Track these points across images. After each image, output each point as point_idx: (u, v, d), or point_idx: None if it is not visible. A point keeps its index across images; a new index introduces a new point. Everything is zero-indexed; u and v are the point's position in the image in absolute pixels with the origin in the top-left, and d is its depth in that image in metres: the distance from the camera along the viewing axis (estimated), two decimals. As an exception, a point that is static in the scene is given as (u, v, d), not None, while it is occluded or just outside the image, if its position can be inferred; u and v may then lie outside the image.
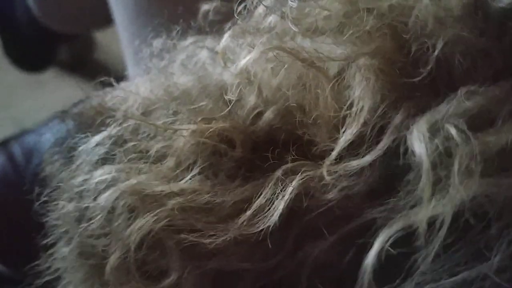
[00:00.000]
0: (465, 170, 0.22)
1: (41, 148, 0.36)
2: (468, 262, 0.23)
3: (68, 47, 1.31)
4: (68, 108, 0.36)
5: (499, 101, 0.24)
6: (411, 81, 0.25)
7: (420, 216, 0.22)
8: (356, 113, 0.25)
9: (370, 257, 0.24)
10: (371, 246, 0.24)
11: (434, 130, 0.23)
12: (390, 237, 0.24)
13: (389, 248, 0.23)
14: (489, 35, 0.25)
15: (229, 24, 0.36)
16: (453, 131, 0.22)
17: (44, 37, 0.96)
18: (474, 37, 0.25)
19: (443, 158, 0.22)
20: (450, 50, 0.25)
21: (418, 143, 0.23)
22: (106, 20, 0.72)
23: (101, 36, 1.35)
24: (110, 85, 0.36)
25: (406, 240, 0.24)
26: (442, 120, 0.23)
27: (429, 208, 0.22)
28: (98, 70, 1.39)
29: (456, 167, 0.22)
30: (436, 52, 0.24)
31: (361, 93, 0.25)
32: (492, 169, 0.23)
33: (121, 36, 0.60)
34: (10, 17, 0.96)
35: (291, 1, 0.27)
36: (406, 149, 0.25)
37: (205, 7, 0.37)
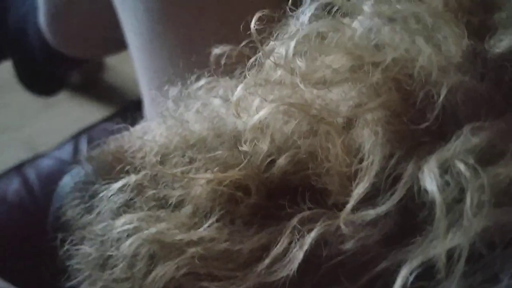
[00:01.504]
0: (477, 204, 0.22)
1: (60, 191, 0.37)
2: (483, 286, 0.23)
3: (79, 69, 1.31)
4: (87, 151, 0.36)
5: (506, 133, 0.25)
6: (419, 127, 0.25)
7: (439, 250, 0.23)
8: (367, 167, 0.26)
9: None
10: None
11: (444, 167, 0.23)
12: (411, 272, 0.24)
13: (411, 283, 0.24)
14: (489, 80, 0.26)
15: (240, 69, 0.37)
16: (462, 166, 0.23)
17: (56, 61, 0.97)
18: (475, 82, 0.26)
19: (455, 193, 0.23)
20: (453, 96, 0.25)
21: (429, 181, 0.23)
22: (118, 45, 0.72)
23: (111, 58, 1.36)
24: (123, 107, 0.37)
25: (426, 274, 0.24)
26: (451, 157, 0.24)
27: (446, 241, 0.23)
28: (108, 92, 1.39)
29: (468, 201, 0.22)
30: (441, 98, 0.25)
31: (371, 147, 0.26)
32: (503, 200, 0.24)
33: (135, 62, 0.60)
34: (22, 41, 0.96)
35: (299, 61, 0.28)
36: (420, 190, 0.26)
37: (216, 51, 0.38)
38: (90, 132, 0.84)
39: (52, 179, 0.72)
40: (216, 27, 0.54)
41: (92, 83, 1.42)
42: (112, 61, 1.40)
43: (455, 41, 0.25)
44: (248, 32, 0.31)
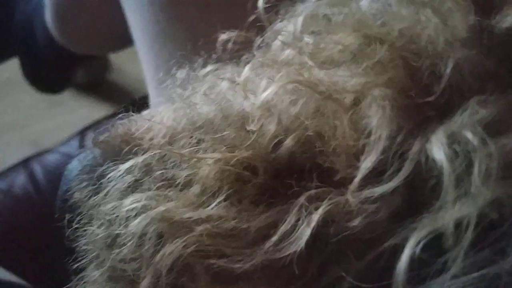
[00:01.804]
0: (485, 172, 0.22)
1: (68, 175, 0.37)
2: (492, 260, 0.23)
3: (84, 68, 1.32)
4: (94, 136, 0.37)
5: None
6: (425, 101, 0.25)
7: (447, 219, 0.22)
8: (374, 142, 0.26)
9: (402, 262, 0.24)
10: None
11: (452, 138, 0.23)
12: (419, 242, 0.24)
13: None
14: (496, 55, 0.26)
15: (247, 54, 0.37)
16: (470, 136, 0.23)
17: (62, 59, 0.97)
18: (481, 57, 0.26)
19: (463, 162, 0.23)
20: (459, 70, 0.25)
21: (437, 150, 0.23)
22: (125, 41, 0.72)
23: (116, 57, 1.36)
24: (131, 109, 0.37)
25: (434, 244, 0.24)
26: (459, 128, 0.23)
27: (454, 210, 0.22)
28: (113, 91, 1.40)
29: (476, 169, 0.22)
30: (447, 71, 0.25)
31: (378, 122, 0.26)
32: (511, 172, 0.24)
33: (141, 58, 0.60)
34: (29, 39, 0.96)
35: (307, 38, 0.28)
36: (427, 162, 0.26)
37: (223, 36, 0.38)
38: (96, 128, 0.84)
39: (58, 173, 0.72)
40: (222, 16, 0.54)
41: (98, 82, 1.42)
42: (118, 60, 1.40)
43: (461, 15, 0.25)
44: (255, 14, 0.31)
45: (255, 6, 0.32)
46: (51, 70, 1.02)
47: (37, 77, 1.05)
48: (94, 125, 0.82)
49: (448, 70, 0.24)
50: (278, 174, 0.31)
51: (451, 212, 0.22)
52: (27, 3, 0.98)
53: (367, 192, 0.27)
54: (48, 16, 0.84)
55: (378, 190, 0.27)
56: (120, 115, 0.37)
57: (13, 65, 1.09)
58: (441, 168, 0.23)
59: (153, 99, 0.61)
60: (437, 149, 0.23)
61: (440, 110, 0.26)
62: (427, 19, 0.25)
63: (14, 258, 0.71)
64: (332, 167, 0.29)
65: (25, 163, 0.81)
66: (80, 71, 1.30)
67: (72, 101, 1.35)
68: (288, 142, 0.30)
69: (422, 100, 0.25)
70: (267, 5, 0.30)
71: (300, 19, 0.27)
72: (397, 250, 0.26)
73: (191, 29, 0.56)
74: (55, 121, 1.32)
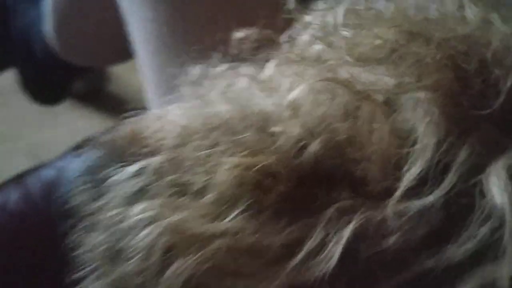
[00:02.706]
0: None
1: (68, 176, 0.33)
2: None
3: (82, 78, 1.28)
4: (99, 135, 0.33)
5: None
6: (478, 113, 0.22)
7: (503, 272, 0.19)
8: (420, 150, 0.22)
9: None
10: None
11: None
12: None
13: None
14: None
15: (264, 53, 0.34)
16: None
17: (60, 70, 0.94)
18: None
19: None
20: None
21: (499, 193, 0.20)
22: (126, 54, 0.69)
23: (114, 67, 1.32)
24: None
25: None
26: None
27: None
28: (111, 102, 1.36)
29: None
30: (509, 84, 0.21)
31: (425, 129, 0.23)
32: None
33: (144, 71, 0.57)
34: (26, 49, 0.93)
35: (345, 31, 0.24)
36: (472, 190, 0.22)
37: (238, 34, 0.34)
38: (92, 142, 0.80)
39: (53, 189, 0.69)
40: (227, 36, 0.51)
41: (96, 92, 1.38)
42: (116, 71, 1.37)
43: None
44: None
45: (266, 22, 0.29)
46: (49, 81, 0.99)
47: (35, 88, 1.02)
48: (91, 139, 0.79)
49: (510, 83, 0.21)
50: (302, 182, 0.27)
51: (508, 266, 0.19)
52: (25, 13, 0.95)
53: (404, 206, 0.24)
54: (48, 26, 0.81)
55: (417, 204, 0.23)
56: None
57: (10, 75, 1.06)
58: (502, 213, 0.20)
59: (155, 101, 0.58)
60: (499, 190, 0.20)
61: (491, 123, 0.22)
62: (486, 20, 0.21)
63: (8, 276, 0.69)
64: (365, 175, 0.26)
65: (19, 177, 0.77)
66: (78, 82, 1.26)
67: (70, 112, 1.31)
68: (314, 146, 0.27)
69: (477, 112, 0.22)
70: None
71: (340, 11, 0.24)
72: (433, 275, 0.22)
73: (193, 44, 0.53)
74: (53, 132, 1.29)
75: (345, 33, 0.24)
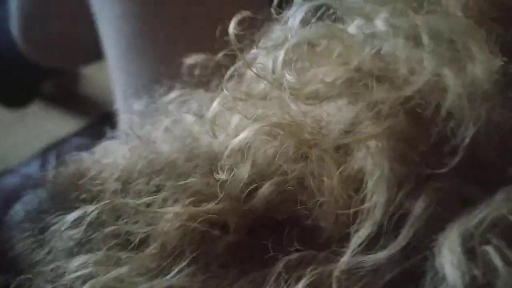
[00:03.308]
0: None
1: (10, 220, 0.31)
2: None
3: (52, 79, 1.24)
4: (41, 174, 0.31)
5: None
6: (436, 173, 0.20)
7: None
8: (370, 210, 0.21)
9: None
10: None
11: (469, 253, 0.18)
12: None
13: None
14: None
15: (217, 80, 0.32)
16: (495, 257, 0.18)
17: (29, 72, 0.90)
18: (506, 113, 0.20)
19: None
20: (480, 132, 0.20)
21: (452, 269, 0.18)
22: (94, 55, 0.67)
23: (86, 69, 1.28)
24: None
25: None
26: (478, 235, 0.18)
27: None
28: (82, 104, 1.32)
29: None
30: (467, 140, 0.19)
31: (375, 185, 0.21)
32: None
33: (112, 69, 0.55)
34: None
35: (288, 73, 0.23)
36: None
37: (189, 60, 0.32)
38: (59, 148, 0.77)
39: (15, 196, 0.66)
40: (194, 37, 0.49)
41: (66, 94, 1.34)
42: (87, 72, 1.33)
43: (484, 63, 0.19)
44: (226, 39, 0.26)
45: (225, 32, 0.27)
46: (16, 84, 0.96)
47: (1, 91, 0.98)
48: (58, 144, 0.76)
49: (469, 136, 0.19)
50: (252, 230, 0.25)
51: None
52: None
53: (357, 261, 0.22)
54: (14, 25, 0.78)
55: (370, 259, 0.21)
56: (83, 137, 0.32)
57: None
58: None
59: (121, 115, 0.56)
60: (451, 267, 0.18)
61: (449, 177, 0.20)
62: (437, 66, 0.19)
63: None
64: (316, 225, 0.24)
65: (-19, 185, 0.74)
66: (48, 83, 1.23)
67: (39, 114, 1.27)
68: (264, 190, 0.25)
69: (431, 169, 0.20)
70: (240, 32, 0.24)
71: (281, 53, 0.22)
72: None
73: (162, 47, 0.51)
74: (22, 134, 1.24)
75: (288, 76, 0.22)
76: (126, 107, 0.39)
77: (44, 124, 1.24)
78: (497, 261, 0.18)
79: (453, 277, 0.18)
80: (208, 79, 0.32)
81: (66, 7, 0.71)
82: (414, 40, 0.20)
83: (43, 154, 0.72)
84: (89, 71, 1.29)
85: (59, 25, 0.73)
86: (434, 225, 0.20)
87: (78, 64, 0.99)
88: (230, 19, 0.27)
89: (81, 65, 1.05)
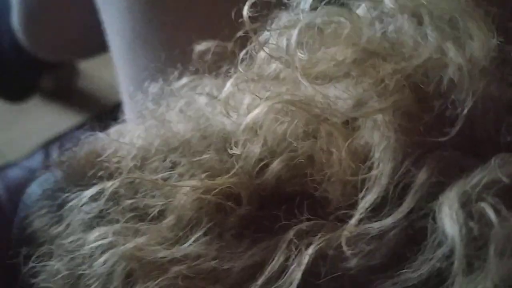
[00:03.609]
0: (501, 251, 0.19)
1: (27, 200, 0.32)
2: None
3: (51, 74, 1.25)
4: (56, 156, 0.32)
5: None
6: (437, 140, 0.22)
7: None
8: (376, 177, 0.22)
9: None
10: None
11: (467, 209, 0.20)
12: None
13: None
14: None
15: (227, 66, 0.33)
16: (489, 212, 0.19)
17: (28, 65, 0.90)
18: (503, 88, 0.22)
19: (478, 241, 0.19)
20: (478, 106, 0.22)
21: (450, 223, 0.20)
22: (96, 48, 0.67)
23: (84, 64, 1.29)
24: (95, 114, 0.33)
25: None
26: (475, 194, 0.20)
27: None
28: (83, 97, 1.33)
29: (492, 252, 0.19)
30: (465, 111, 0.21)
31: (381, 154, 0.22)
32: None
33: (117, 63, 0.56)
34: None
35: (300, 51, 0.24)
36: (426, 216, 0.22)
37: (200, 47, 0.34)
38: (61, 141, 0.78)
39: (20, 189, 0.66)
40: (201, 25, 0.50)
41: (66, 88, 1.35)
42: (87, 66, 1.33)
43: (481, 40, 0.21)
44: (239, 22, 0.27)
45: (238, 14, 0.29)
46: (16, 78, 0.96)
47: (1, 84, 0.98)
48: (60, 137, 0.77)
49: (468, 107, 0.21)
50: (264, 203, 0.27)
51: None
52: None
53: (363, 228, 0.23)
54: (15, 18, 0.78)
55: (376, 226, 0.23)
56: (86, 130, 0.33)
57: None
58: (453, 244, 0.20)
59: (127, 107, 0.57)
60: (450, 221, 0.20)
61: (446, 145, 0.22)
62: (440, 41, 0.21)
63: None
64: (325, 197, 0.25)
65: (-15, 178, 0.74)
66: (48, 77, 1.23)
67: (38, 108, 1.27)
68: (275, 166, 0.27)
69: (433, 138, 0.22)
70: (252, 14, 0.26)
71: (295, 32, 0.23)
72: None
73: (169, 36, 0.52)
74: (20, 129, 1.25)
75: (301, 55, 0.24)
76: (137, 93, 0.41)
77: (43, 119, 1.24)
78: (491, 215, 0.19)
79: (452, 230, 0.19)
80: (218, 65, 0.34)
81: (68, 0, 0.71)
82: (419, 18, 0.22)
83: (45, 147, 0.73)
84: (88, 66, 1.29)
85: (61, 17, 0.74)
86: (436, 192, 0.22)
87: (80, 57, 0.99)
88: (234, 8, 0.28)
89: (83, 58, 1.05)
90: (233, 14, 0.27)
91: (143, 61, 0.52)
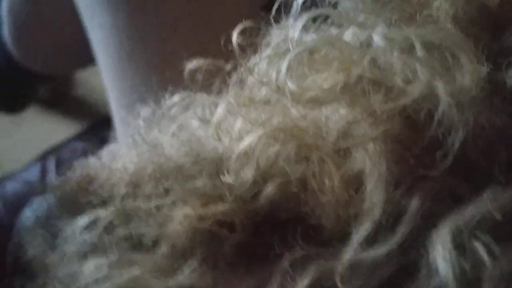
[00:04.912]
0: None
1: (21, 226, 0.32)
2: None
3: (47, 83, 1.24)
4: (49, 181, 0.32)
5: None
6: (429, 174, 0.22)
7: None
8: (369, 210, 0.22)
9: None
10: None
11: (459, 247, 0.20)
12: None
13: None
14: (508, 115, 0.22)
15: (218, 84, 0.33)
16: (482, 253, 0.19)
17: (22, 77, 0.90)
18: (493, 118, 0.22)
19: (470, 281, 0.20)
20: (469, 135, 0.22)
21: (443, 263, 0.20)
22: (86, 61, 0.67)
23: (80, 72, 1.29)
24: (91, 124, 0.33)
25: None
26: (467, 231, 0.20)
27: None
28: (78, 107, 1.33)
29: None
30: (457, 143, 0.21)
31: (373, 186, 0.23)
32: None
33: (105, 78, 0.56)
34: None
35: (289, 80, 0.24)
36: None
37: (190, 65, 0.34)
38: (58, 153, 0.78)
39: (18, 203, 0.66)
40: (189, 43, 0.50)
41: (62, 97, 1.34)
42: (82, 75, 1.33)
43: (471, 71, 0.21)
44: (225, 47, 0.27)
45: (228, 27, 0.28)
46: (10, 89, 0.96)
47: None
48: (56, 148, 0.76)
49: (459, 139, 0.21)
50: (258, 229, 0.27)
51: None
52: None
53: (358, 257, 0.23)
54: (6, 31, 0.78)
55: (370, 255, 0.23)
56: (82, 143, 0.33)
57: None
58: (446, 283, 0.20)
59: (117, 127, 0.57)
60: (443, 261, 0.20)
61: (441, 177, 0.22)
62: (430, 77, 0.21)
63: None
64: (318, 224, 0.26)
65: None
66: (43, 86, 1.23)
67: (34, 118, 1.27)
68: (268, 190, 0.27)
69: (425, 170, 0.22)
70: (241, 41, 0.26)
71: (284, 64, 0.23)
72: None
73: (157, 53, 0.52)
74: (17, 139, 1.24)
75: (291, 85, 0.24)
76: (122, 115, 0.40)
77: (40, 127, 1.24)
78: (484, 255, 0.19)
79: (444, 270, 0.20)
80: (209, 83, 0.34)
81: (58, 13, 0.71)
82: (408, 50, 0.22)
83: (42, 159, 0.73)
84: (84, 74, 1.29)
85: (49, 30, 0.73)
86: (429, 222, 0.22)
87: (72, 69, 0.99)
88: (219, 23, 0.28)
89: (75, 71, 1.05)
90: (221, 41, 0.27)
91: (130, 79, 0.51)
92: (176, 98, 0.34)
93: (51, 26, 0.72)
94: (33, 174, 0.70)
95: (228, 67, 0.33)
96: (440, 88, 0.20)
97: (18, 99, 1.01)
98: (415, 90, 0.21)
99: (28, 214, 0.32)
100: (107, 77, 0.54)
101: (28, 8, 0.73)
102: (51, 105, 1.32)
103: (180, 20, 0.50)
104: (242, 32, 0.26)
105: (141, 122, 0.31)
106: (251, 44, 0.27)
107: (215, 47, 0.30)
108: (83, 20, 0.57)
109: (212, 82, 0.34)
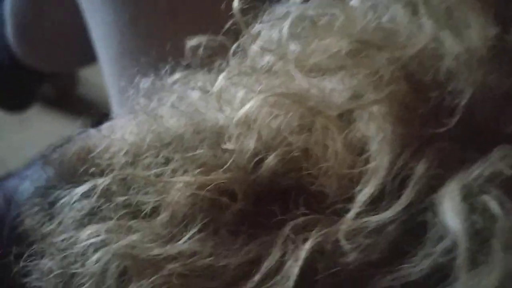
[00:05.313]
0: (505, 246, 0.19)
1: (19, 198, 0.32)
2: None
3: (51, 82, 1.24)
4: (48, 153, 0.32)
5: None
6: (435, 132, 0.22)
7: None
8: (374, 170, 0.22)
9: None
10: None
11: (469, 201, 0.20)
12: None
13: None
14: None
15: (220, 61, 0.33)
16: (493, 205, 0.19)
17: (25, 75, 0.90)
18: (501, 79, 0.22)
19: (481, 235, 0.19)
20: (476, 96, 0.22)
21: (453, 217, 0.19)
22: (89, 58, 0.67)
23: (84, 71, 1.28)
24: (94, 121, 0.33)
25: None
26: (476, 187, 0.20)
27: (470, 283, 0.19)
28: (82, 105, 1.33)
29: (496, 246, 0.19)
30: (463, 102, 0.21)
31: (378, 147, 0.22)
32: None
33: (106, 76, 0.56)
34: None
35: (293, 44, 0.24)
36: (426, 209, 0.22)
37: (192, 42, 0.33)
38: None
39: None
40: (190, 28, 0.49)
41: (65, 96, 1.34)
42: (87, 73, 1.33)
43: (479, 29, 0.21)
44: (229, 16, 0.27)
45: (228, 8, 0.28)
46: (14, 87, 0.95)
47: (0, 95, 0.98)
48: (40, 157, 0.76)
49: (466, 98, 0.20)
50: (259, 198, 0.27)
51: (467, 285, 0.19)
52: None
53: (361, 222, 0.23)
54: (9, 30, 0.78)
55: (374, 220, 0.23)
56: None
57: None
58: (456, 239, 0.19)
59: (116, 109, 0.57)
60: (453, 216, 0.19)
61: (444, 135, 0.22)
62: (436, 30, 0.21)
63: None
64: (321, 191, 0.25)
65: (-16, 188, 0.74)
66: (47, 85, 1.23)
67: (39, 116, 1.27)
68: (270, 160, 0.26)
69: (431, 129, 0.21)
70: (243, 6, 0.25)
71: (286, 24, 0.23)
72: None
73: (158, 49, 0.52)
74: (22, 137, 1.24)
75: (294, 46, 0.23)
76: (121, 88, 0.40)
77: (44, 126, 1.24)
78: (496, 208, 0.19)
79: (454, 223, 0.19)
80: (212, 60, 0.34)
81: (60, 11, 0.71)
82: (414, 8, 0.22)
83: (45, 156, 0.72)
84: (88, 73, 1.29)
85: (52, 29, 0.73)
86: (436, 185, 0.22)
87: (74, 67, 0.99)
88: (222, 22, 0.28)
89: (77, 68, 1.05)
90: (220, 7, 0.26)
91: (130, 75, 0.51)
92: (177, 74, 0.34)
93: (53, 25, 0.72)
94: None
95: (230, 43, 0.33)
96: (447, 40, 0.20)
97: (21, 97, 1.01)
98: (420, 42, 0.20)
99: (27, 186, 0.31)
100: (108, 74, 0.54)
101: (30, 7, 0.73)
102: (56, 104, 1.32)
103: (182, 17, 0.50)
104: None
105: (140, 95, 0.31)
106: (253, 12, 0.27)
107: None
108: (85, 17, 0.57)
109: (214, 60, 0.34)
